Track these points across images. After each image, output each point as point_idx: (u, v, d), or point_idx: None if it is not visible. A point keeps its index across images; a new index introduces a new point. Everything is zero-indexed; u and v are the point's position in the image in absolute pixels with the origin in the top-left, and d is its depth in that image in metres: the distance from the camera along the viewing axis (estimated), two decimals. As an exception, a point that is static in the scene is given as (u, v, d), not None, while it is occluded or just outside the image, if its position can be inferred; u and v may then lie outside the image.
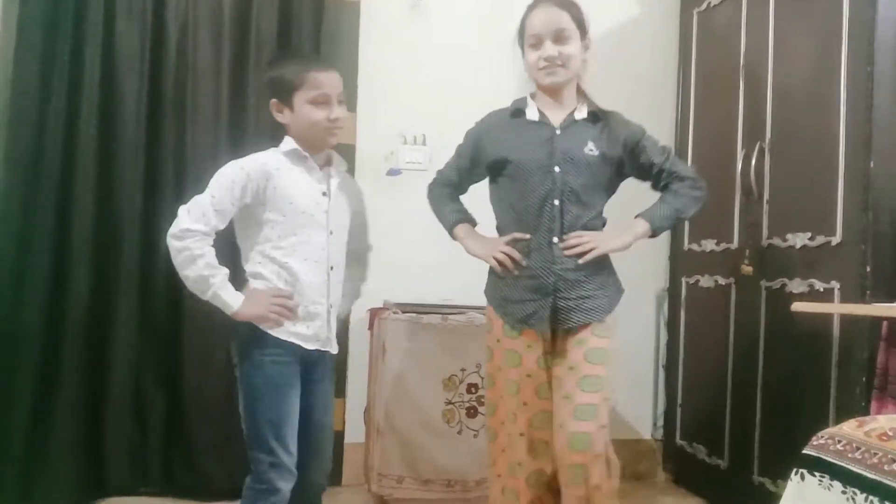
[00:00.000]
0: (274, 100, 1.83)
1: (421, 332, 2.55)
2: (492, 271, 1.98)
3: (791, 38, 2.40)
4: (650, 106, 3.09)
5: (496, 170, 1.97)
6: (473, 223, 2.06)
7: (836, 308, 2.12)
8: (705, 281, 2.81)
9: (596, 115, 1.94)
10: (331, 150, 1.89)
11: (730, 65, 2.67)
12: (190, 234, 1.69)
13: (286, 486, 1.74)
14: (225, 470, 2.61)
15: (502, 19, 3.03)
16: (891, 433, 1.25)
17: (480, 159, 2.01)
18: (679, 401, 2.96)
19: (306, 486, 1.82)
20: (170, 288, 2.62)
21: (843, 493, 1.24)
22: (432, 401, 2.56)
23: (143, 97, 2.62)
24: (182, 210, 1.73)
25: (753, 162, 2.48)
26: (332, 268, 1.84)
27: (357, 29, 2.89)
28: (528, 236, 1.90)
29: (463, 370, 2.59)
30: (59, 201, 2.52)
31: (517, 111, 1.97)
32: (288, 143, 1.83)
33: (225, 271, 1.73)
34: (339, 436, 2.83)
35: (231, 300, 1.72)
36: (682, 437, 2.93)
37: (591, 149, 1.90)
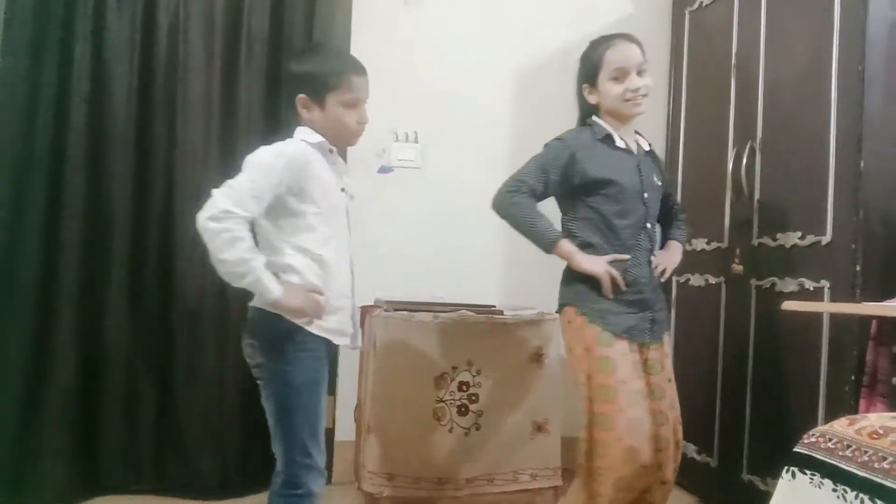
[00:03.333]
0: (303, 95, 1.79)
1: (412, 330, 2.54)
2: (587, 282, 2.00)
3: (782, 39, 2.41)
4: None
5: (591, 189, 2.02)
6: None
7: (826, 307, 2.13)
8: (696, 280, 2.82)
9: (653, 150, 2.15)
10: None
11: (721, 64, 2.68)
12: (230, 216, 1.59)
13: (320, 488, 1.72)
14: (217, 466, 2.60)
15: (496, 17, 3.04)
16: (881, 431, 1.26)
17: (572, 176, 2.03)
18: (669, 399, 2.97)
19: None
20: (161, 283, 2.62)
21: (834, 490, 1.25)
22: (423, 399, 2.56)
23: (133, 92, 2.60)
24: (217, 193, 1.62)
25: (744, 161, 2.49)
26: (352, 264, 1.86)
27: (349, 24, 2.87)
28: (627, 257, 2.01)
29: (454, 368, 2.58)
30: (49, 197, 2.49)
31: (607, 137, 2.05)
32: (312, 135, 1.79)
33: (264, 257, 1.64)
34: (329, 433, 2.81)
35: (273, 286, 1.62)
36: (671, 435, 2.94)
37: (657, 179, 2.11)
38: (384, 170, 2.92)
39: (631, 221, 2.03)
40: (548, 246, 2.01)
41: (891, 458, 1.19)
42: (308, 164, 1.73)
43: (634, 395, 1.94)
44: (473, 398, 2.59)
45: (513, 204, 2.02)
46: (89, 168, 2.55)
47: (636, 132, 2.11)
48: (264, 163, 1.69)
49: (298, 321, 1.69)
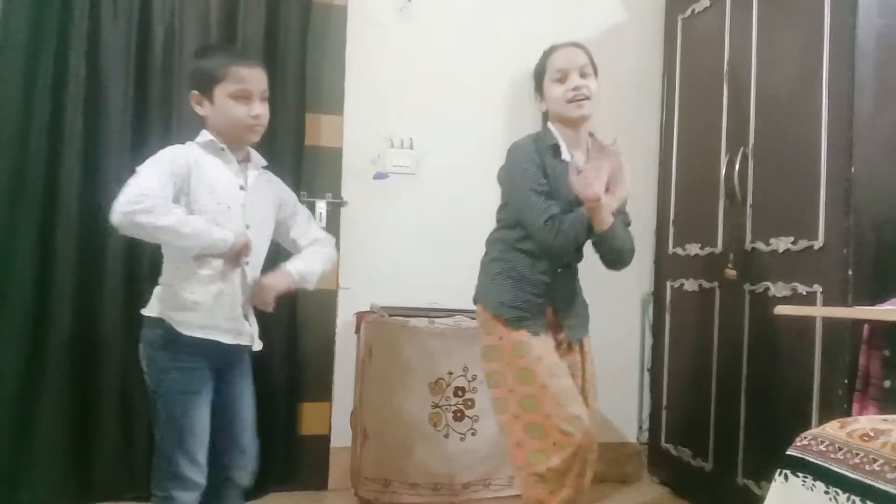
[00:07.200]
0: (195, 91, 1.82)
1: (408, 336, 2.55)
2: None
3: (774, 45, 2.43)
4: (635, 111, 3.12)
5: None
6: None
7: (819, 311, 2.14)
8: (689, 285, 2.83)
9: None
10: (249, 146, 1.88)
11: (714, 71, 2.70)
12: (151, 192, 1.66)
13: (186, 496, 1.77)
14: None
15: (490, 23, 3.06)
16: (872, 434, 1.27)
17: None
18: (664, 404, 2.98)
19: (229, 487, 1.86)
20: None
21: (826, 493, 1.26)
22: (419, 404, 2.56)
23: (128, 99, 2.60)
24: (131, 183, 1.69)
25: (737, 167, 2.51)
26: (247, 262, 1.82)
27: (344, 31, 2.89)
28: None
29: (450, 374, 2.59)
30: (44, 204, 2.50)
31: (554, 147, 2.04)
32: (204, 135, 1.83)
33: None
34: (325, 440, 2.82)
35: (227, 234, 1.73)
36: (667, 439, 2.95)
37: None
38: (379, 176, 2.92)
39: None
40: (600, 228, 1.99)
41: (881, 461, 1.20)
42: (192, 165, 1.76)
43: None
44: (469, 403, 2.60)
45: (562, 230, 1.98)
46: (85, 176, 2.54)
47: (590, 134, 2.10)
48: (162, 163, 1.74)
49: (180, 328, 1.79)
